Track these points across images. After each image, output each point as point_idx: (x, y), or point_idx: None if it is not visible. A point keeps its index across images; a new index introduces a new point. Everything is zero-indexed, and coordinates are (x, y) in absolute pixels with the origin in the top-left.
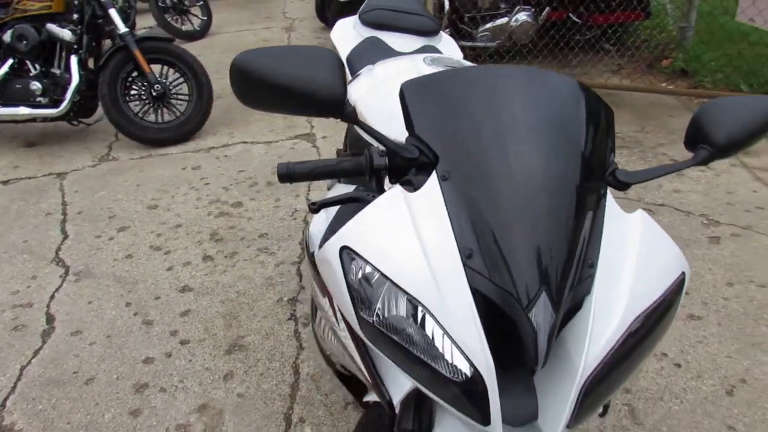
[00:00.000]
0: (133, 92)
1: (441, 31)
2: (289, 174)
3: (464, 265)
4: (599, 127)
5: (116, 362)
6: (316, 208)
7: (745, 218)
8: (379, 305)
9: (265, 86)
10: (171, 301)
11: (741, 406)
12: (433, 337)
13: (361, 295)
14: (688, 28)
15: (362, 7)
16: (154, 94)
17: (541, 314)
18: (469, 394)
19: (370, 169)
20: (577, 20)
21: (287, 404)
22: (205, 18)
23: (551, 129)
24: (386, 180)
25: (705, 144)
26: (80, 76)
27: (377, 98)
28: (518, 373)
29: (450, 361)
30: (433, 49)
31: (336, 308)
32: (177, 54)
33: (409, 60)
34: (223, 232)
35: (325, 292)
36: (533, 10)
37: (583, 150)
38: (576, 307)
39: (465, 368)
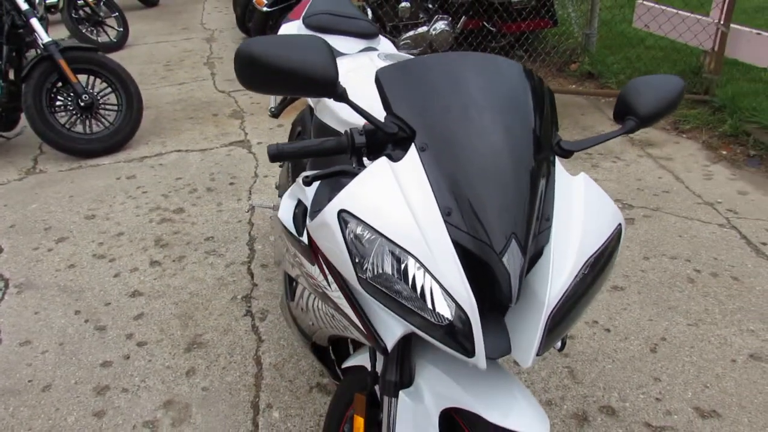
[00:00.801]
0: (58, 103)
1: (379, 35)
2: (279, 154)
3: (445, 221)
4: (544, 104)
5: (72, 368)
6: (309, 181)
7: (654, 201)
8: (373, 260)
9: (267, 70)
10: (122, 306)
11: (664, 361)
12: (423, 285)
13: (359, 251)
14: (592, 35)
15: (306, 11)
16: (82, 104)
17: (512, 259)
18: (455, 331)
19: (352, 147)
20: (491, 29)
21: (253, 393)
22: (122, 29)
23: (507, 106)
24: (364, 158)
25: (631, 116)
26: (0, 88)
27: (348, 87)
28: (492, 316)
29: (437, 305)
30: (376, 51)
31: (328, 271)
32: (103, 63)
33: (365, 56)
34: (167, 237)
35: (315, 259)
36: (450, 19)
37: (533, 124)
38: (537, 254)
39: (451, 310)
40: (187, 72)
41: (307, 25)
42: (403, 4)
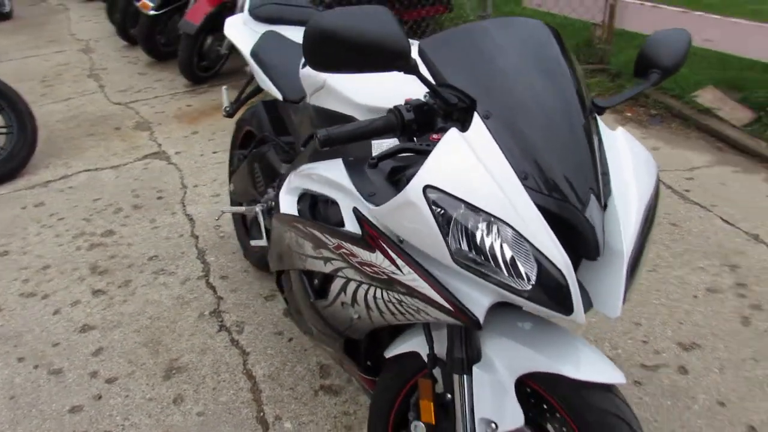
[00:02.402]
0: None
1: None
2: (330, 139)
3: (524, 185)
4: (575, 63)
5: (36, 421)
6: (375, 162)
7: None
8: (466, 233)
9: (342, 47)
10: (74, 344)
11: (638, 307)
12: (517, 251)
13: (450, 226)
14: (487, 16)
15: (250, 3)
16: None
17: (593, 213)
18: (552, 291)
19: (402, 125)
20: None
21: (255, 408)
22: None
23: (550, 68)
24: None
25: (654, 69)
26: None
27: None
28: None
29: (533, 268)
30: None
31: (396, 255)
32: None
33: None
34: (104, 263)
35: (376, 246)
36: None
37: (575, 84)
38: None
39: (548, 271)
40: (70, 87)
41: (256, 17)
42: None
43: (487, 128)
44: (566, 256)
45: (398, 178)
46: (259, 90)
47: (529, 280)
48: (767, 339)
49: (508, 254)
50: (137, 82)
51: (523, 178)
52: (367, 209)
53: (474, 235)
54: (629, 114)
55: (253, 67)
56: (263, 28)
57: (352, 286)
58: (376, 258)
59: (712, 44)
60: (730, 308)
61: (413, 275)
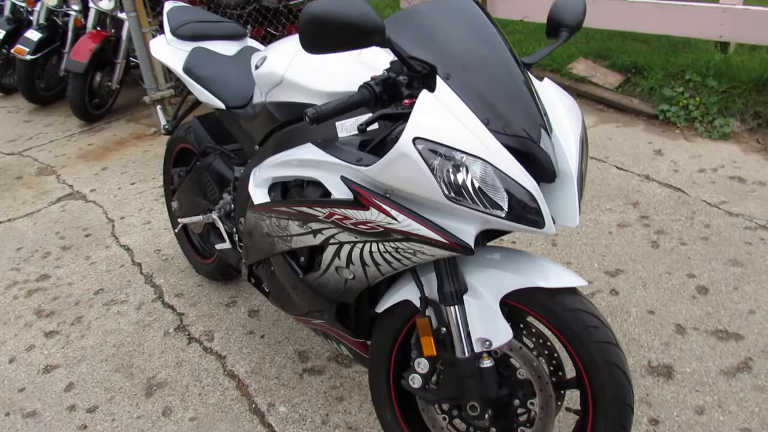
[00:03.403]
0: None
1: (247, 34)
2: (319, 115)
3: (488, 129)
4: (499, 28)
5: None
6: (364, 127)
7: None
8: (454, 172)
9: (330, 29)
10: (41, 385)
11: (566, 249)
12: (495, 182)
13: (438, 167)
14: None
15: (170, 24)
16: None
17: (546, 143)
18: (527, 211)
19: (375, 97)
20: (275, 33)
21: (247, 402)
22: None
23: (487, 33)
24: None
25: (563, 28)
26: None
27: (306, 63)
28: None
29: (508, 195)
30: (255, 49)
31: (390, 207)
32: None
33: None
34: (48, 306)
35: (370, 204)
36: None
37: (507, 45)
38: None
39: (521, 195)
40: None
41: (180, 36)
42: None
43: (450, 87)
44: (533, 181)
45: (373, 144)
46: (195, 105)
47: (505, 203)
48: (674, 255)
49: (488, 184)
50: (25, 130)
51: (486, 123)
52: (355, 174)
53: (458, 173)
54: None
55: (189, 82)
56: (189, 45)
57: (345, 249)
58: (371, 214)
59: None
60: (640, 237)
61: (408, 220)
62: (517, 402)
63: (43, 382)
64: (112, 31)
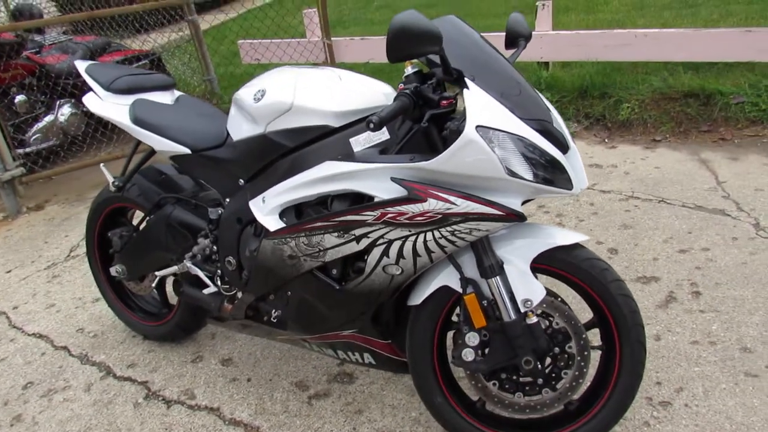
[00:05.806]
0: None
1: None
2: (382, 121)
3: (516, 116)
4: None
5: None
6: (377, 123)
7: None
8: (512, 152)
9: (414, 36)
10: None
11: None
12: (539, 158)
13: (501, 149)
14: (213, 80)
15: (100, 81)
16: None
17: (559, 122)
18: (561, 177)
19: (413, 102)
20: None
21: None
22: None
23: (485, 43)
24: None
25: (521, 38)
26: None
27: (311, 88)
28: None
29: (549, 166)
30: (188, 97)
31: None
32: None
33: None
34: None
35: (427, 195)
36: (73, 100)
37: (498, 52)
38: None
39: (555, 165)
40: None
41: (116, 91)
42: (19, 97)
43: (478, 86)
44: (559, 152)
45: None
46: (148, 157)
47: (549, 173)
48: (579, 229)
49: (535, 159)
50: None
51: (513, 111)
52: (407, 172)
53: (513, 151)
54: None
55: (142, 133)
56: (128, 98)
57: (395, 245)
58: (428, 205)
59: None
60: (546, 221)
61: (466, 202)
62: (557, 349)
63: None
64: None
